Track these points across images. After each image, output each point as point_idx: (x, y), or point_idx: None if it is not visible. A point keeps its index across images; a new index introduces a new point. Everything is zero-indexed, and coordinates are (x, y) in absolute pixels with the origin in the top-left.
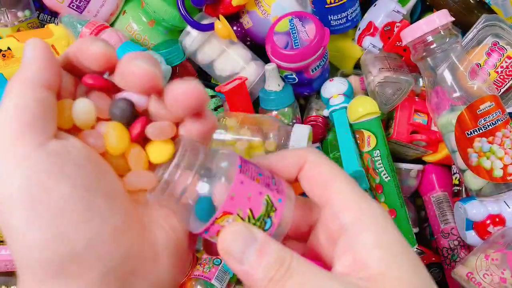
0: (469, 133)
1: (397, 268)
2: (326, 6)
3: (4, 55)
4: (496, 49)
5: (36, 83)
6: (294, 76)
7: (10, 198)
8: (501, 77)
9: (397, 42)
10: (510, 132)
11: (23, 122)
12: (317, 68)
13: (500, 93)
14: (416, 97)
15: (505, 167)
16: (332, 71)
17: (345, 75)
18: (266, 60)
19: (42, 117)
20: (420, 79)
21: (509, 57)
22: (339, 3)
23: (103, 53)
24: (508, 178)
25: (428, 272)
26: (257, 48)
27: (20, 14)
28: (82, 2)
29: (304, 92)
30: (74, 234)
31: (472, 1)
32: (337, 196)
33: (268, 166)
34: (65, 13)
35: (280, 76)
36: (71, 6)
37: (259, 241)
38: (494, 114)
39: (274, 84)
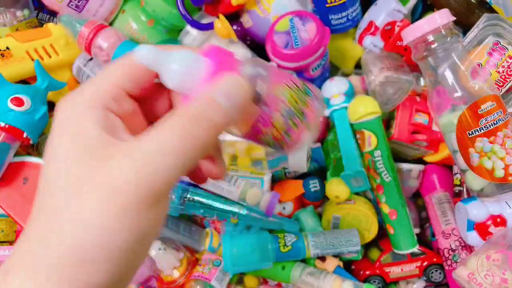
0: (471, 133)
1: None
2: (327, 5)
3: (2, 55)
4: (497, 48)
5: None
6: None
7: None
8: (503, 76)
9: (398, 42)
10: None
11: None
12: (317, 67)
13: (501, 93)
14: (417, 97)
15: (506, 167)
16: (332, 70)
17: (346, 75)
18: (266, 60)
19: None
20: (421, 79)
21: (510, 57)
22: (339, 2)
23: None
24: (510, 178)
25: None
26: (257, 47)
27: (19, 13)
28: (81, 1)
29: None
30: None
31: (473, 1)
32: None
33: None
34: (64, 12)
35: None
36: (70, 5)
37: None
38: (496, 114)
39: None
